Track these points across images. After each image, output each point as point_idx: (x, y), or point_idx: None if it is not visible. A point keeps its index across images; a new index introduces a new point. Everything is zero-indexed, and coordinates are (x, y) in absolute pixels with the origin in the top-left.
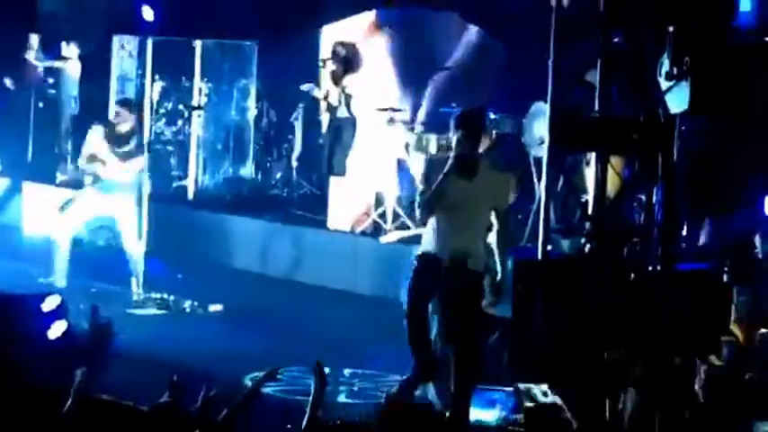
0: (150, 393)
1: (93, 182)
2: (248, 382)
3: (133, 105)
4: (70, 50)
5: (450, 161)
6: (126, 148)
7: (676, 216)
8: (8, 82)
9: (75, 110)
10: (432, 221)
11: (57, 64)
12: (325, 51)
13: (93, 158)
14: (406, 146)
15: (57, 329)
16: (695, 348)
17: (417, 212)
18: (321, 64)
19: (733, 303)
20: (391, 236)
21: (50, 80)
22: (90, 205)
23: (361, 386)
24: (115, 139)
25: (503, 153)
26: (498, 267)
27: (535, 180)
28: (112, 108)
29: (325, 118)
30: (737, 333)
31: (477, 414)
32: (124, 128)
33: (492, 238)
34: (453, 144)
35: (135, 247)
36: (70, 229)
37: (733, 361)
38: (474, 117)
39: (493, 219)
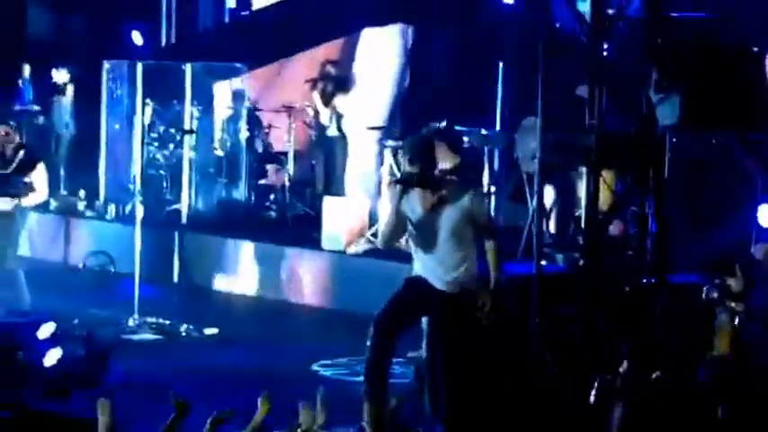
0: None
1: None
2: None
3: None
4: (60, 76)
5: (395, 189)
6: (8, 170)
7: (668, 228)
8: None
9: (67, 135)
10: (411, 250)
11: (54, 97)
12: (314, 71)
13: None
14: (390, 166)
15: (52, 357)
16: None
17: (379, 240)
18: (310, 84)
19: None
20: (359, 246)
21: (36, 108)
22: None
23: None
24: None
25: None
26: (493, 273)
27: (528, 195)
28: (104, 133)
29: (316, 140)
30: (720, 348)
31: None
32: (9, 149)
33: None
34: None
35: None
36: None
37: (717, 377)
38: (418, 143)
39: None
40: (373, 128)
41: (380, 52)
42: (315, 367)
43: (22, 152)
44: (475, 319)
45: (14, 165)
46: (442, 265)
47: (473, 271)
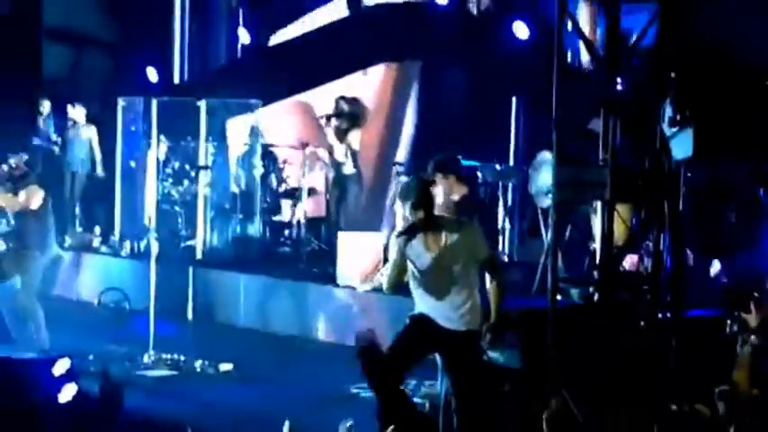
0: None
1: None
2: None
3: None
4: (76, 112)
5: (399, 237)
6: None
7: (683, 262)
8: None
9: (82, 172)
10: (412, 290)
11: (70, 133)
12: (327, 107)
13: None
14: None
15: (67, 393)
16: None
17: (384, 286)
18: (324, 121)
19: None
20: (373, 282)
21: (54, 143)
22: None
23: None
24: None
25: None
26: (493, 312)
27: (542, 230)
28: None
29: (330, 176)
30: (739, 381)
31: None
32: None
33: (488, 285)
34: (407, 213)
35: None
36: None
37: (729, 411)
38: (418, 187)
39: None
40: (396, 164)
41: (394, 88)
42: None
43: (27, 178)
44: (481, 356)
45: (18, 189)
46: (446, 304)
47: (477, 307)
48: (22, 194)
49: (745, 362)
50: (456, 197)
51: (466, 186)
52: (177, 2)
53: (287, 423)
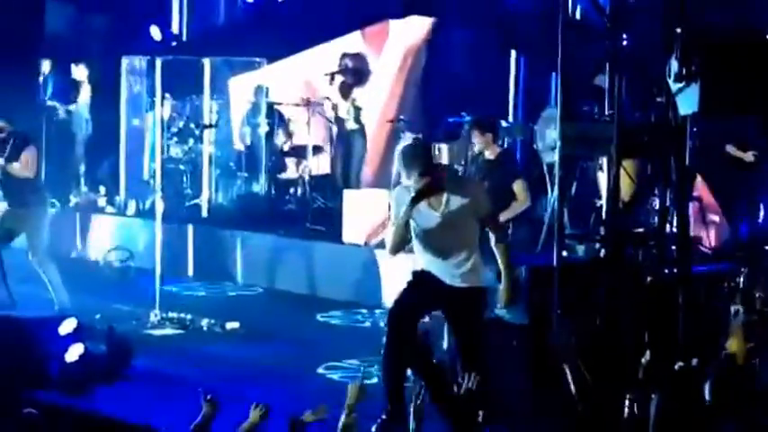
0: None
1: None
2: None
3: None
4: (79, 72)
5: (408, 200)
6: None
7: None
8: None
9: (87, 132)
10: (415, 248)
11: (71, 107)
12: (332, 64)
13: None
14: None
15: (74, 352)
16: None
17: (386, 246)
18: (329, 77)
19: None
20: (379, 237)
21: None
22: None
23: None
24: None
25: (512, 161)
26: (503, 272)
27: (548, 186)
28: (123, 129)
29: (335, 133)
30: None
31: None
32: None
33: (492, 243)
34: (412, 180)
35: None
36: None
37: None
38: (419, 153)
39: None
40: (392, 120)
41: (399, 45)
42: (320, 370)
43: (12, 140)
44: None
45: (6, 153)
46: (449, 262)
47: (479, 263)
48: (23, 158)
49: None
50: (491, 156)
51: (499, 147)
52: None
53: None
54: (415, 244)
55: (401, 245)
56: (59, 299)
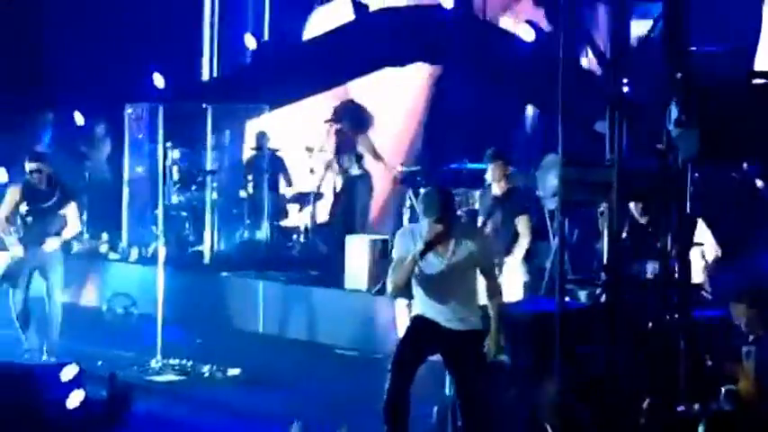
0: None
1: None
2: None
3: (45, 158)
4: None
5: (415, 245)
6: (49, 203)
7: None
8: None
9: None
10: (414, 292)
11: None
12: (330, 112)
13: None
14: (410, 203)
15: (75, 399)
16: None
17: (388, 289)
18: (328, 125)
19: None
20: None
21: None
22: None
23: None
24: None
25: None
26: (493, 324)
27: (550, 232)
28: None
29: (338, 180)
30: (744, 386)
31: None
32: (44, 184)
33: (483, 294)
34: (425, 223)
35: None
36: None
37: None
38: (442, 198)
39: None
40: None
41: (401, 91)
42: None
43: (58, 188)
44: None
45: (54, 199)
46: (448, 307)
47: (476, 308)
48: (74, 217)
49: (751, 364)
50: (499, 192)
51: (508, 184)
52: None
53: (296, 424)
54: (415, 288)
55: (403, 288)
56: (51, 345)
